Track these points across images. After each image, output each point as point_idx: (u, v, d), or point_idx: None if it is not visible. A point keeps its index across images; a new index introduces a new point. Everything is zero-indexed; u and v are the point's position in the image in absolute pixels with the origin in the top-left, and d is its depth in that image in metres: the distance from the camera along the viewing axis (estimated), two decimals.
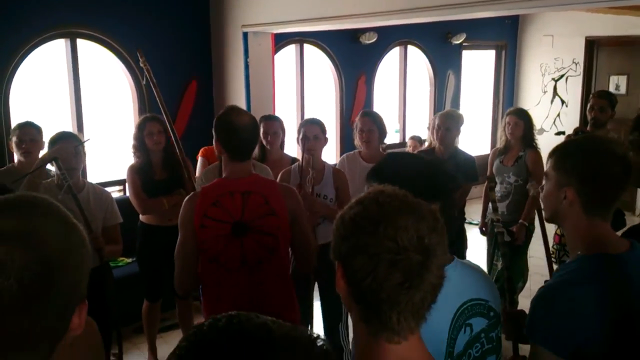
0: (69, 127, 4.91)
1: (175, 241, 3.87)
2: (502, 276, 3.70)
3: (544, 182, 1.67)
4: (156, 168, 3.88)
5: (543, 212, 1.76)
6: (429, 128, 5.14)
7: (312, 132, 3.51)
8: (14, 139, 3.66)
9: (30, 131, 3.67)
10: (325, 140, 3.62)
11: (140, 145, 3.85)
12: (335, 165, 3.99)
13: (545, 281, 1.77)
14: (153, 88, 3.76)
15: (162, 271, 3.88)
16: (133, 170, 3.86)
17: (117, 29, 4.99)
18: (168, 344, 4.32)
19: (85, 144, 3.25)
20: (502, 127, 4.44)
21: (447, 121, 4.15)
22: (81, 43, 4.95)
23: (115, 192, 5.28)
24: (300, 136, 3.56)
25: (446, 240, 1.08)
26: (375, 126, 3.80)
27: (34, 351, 0.81)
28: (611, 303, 1.48)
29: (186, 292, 2.61)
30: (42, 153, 3.69)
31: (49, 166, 3.27)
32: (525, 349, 1.81)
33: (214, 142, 2.46)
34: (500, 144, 4.51)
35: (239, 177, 2.39)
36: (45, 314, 0.79)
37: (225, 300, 2.39)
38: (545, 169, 1.67)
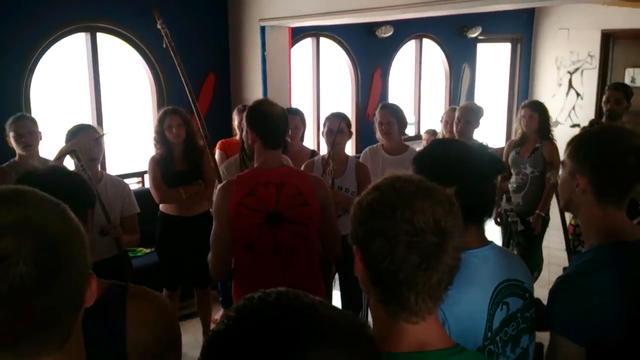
0: (89, 120, 4.97)
1: (194, 231, 3.90)
2: None
3: (560, 170, 1.69)
4: (177, 160, 3.94)
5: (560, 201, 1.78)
6: (441, 121, 5.15)
7: (337, 126, 3.56)
8: (11, 134, 3.66)
9: (26, 124, 3.70)
10: (350, 134, 3.70)
11: (161, 137, 3.91)
12: (358, 157, 4.03)
13: (564, 268, 1.81)
14: (172, 53, 3.67)
15: (182, 260, 3.95)
16: (154, 161, 3.93)
17: (136, 23, 5.04)
18: (186, 332, 4.31)
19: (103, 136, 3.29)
20: (518, 119, 4.45)
21: (467, 114, 4.17)
22: (101, 36, 5.01)
23: (133, 184, 5.34)
24: (325, 130, 3.63)
25: (462, 224, 1.11)
26: (395, 118, 3.82)
27: (58, 326, 0.87)
28: (629, 290, 1.47)
29: (221, 278, 2.70)
30: (41, 143, 3.74)
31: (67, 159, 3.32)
32: (540, 336, 1.84)
33: (245, 132, 2.58)
34: (516, 135, 4.52)
35: (271, 167, 2.48)
36: (62, 291, 0.84)
37: (258, 286, 2.44)
38: (562, 158, 1.70)
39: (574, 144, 1.63)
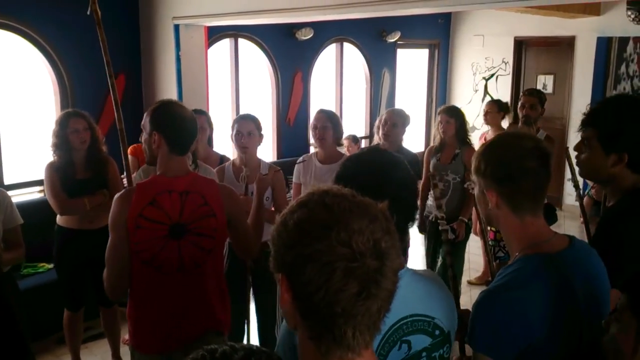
0: None
1: (97, 245, 3.58)
2: (444, 274, 3.68)
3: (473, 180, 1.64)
4: (78, 167, 3.62)
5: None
6: (377, 127, 5.07)
7: (246, 129, 3.37)
8: None
9: None
10: (261, 138, 3.48)
11: (62, 143, 3.57)
12: (271, 163, 3.86)
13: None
14: (97, 27, 3.25)
15: (83, 278, 3.64)
16: (52, 167, 3.59)
17: (37, 19, 4.67)
18: (94, 354, 4.06)
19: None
20: (436, 125, 4.44)
21: (394, 117, 4.14)
22: None
23: (35, 193, 4.95)
24: (234, 133, 3.42)
25: (399, 242, 0.99)
26: (330, 123, 3.66)
27: None
28: (551, 305, 1.44)
29: (119, 297, 2.44)
30: None
31: None
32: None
33: (149, 136, 2.31)
34: (434, 142, 4.51)
35: (177, 174, 2.29)
36: None
37: (157, 305, 2.28)
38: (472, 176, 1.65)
39: (475, 160, 1.60)
